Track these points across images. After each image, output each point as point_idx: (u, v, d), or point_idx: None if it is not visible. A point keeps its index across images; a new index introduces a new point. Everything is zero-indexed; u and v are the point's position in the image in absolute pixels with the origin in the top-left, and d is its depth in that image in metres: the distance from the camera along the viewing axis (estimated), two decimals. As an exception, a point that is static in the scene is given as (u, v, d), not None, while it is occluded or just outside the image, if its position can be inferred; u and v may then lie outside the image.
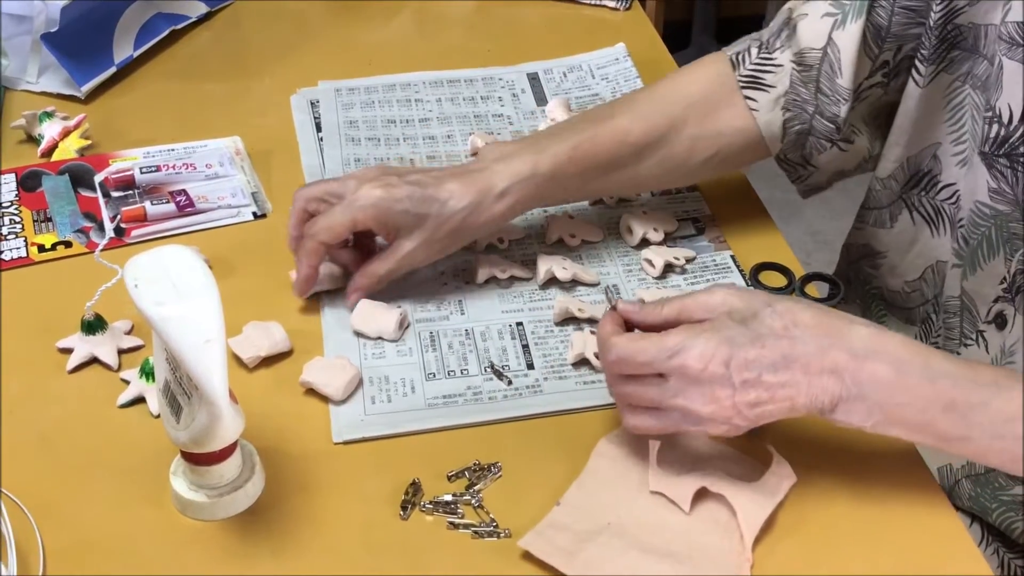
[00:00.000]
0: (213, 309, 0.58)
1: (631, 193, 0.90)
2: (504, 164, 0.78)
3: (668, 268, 0.85)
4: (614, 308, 0.67)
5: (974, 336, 0.77)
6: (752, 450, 0.71)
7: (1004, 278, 0.74)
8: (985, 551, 0.79)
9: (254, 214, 0.90)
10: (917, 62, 0.77)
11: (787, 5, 0.84)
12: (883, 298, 0.88)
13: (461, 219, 0.77)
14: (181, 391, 0.61)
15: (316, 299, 0.82)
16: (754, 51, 0.83)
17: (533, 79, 1.08)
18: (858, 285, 0.91)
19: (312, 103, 1.03)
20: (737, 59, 0.84)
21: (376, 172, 0.78)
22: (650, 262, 0.85)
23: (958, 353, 0.78)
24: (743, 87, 0.83)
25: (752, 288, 0.63)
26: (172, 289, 0.57)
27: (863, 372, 0.61)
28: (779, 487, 0.68)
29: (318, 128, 1.00)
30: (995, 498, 0.78)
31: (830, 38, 0.79)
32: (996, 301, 0.75)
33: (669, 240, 0.88)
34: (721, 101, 0.83)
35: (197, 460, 0.64)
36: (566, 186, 0.81)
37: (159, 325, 0.57)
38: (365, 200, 0.75)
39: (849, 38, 0.78)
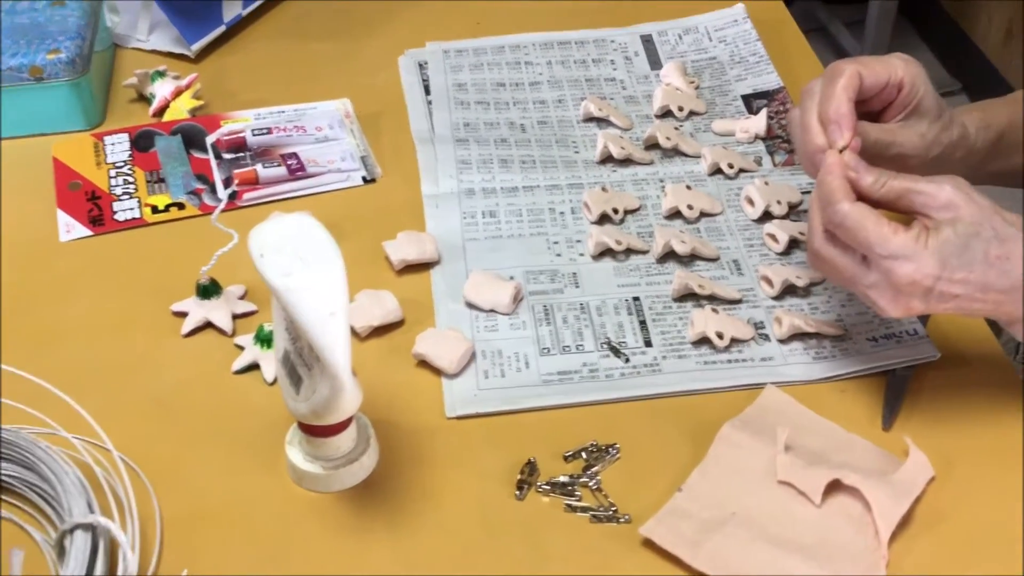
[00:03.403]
0: (339, 280, 0.56)
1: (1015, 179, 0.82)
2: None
3: (793, 243, 0.81)
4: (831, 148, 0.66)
5: None
6: (886, 442, 0.67)
7: None
8: None
9: (364, 179, 0.89)
10: None
11: None
12: None
13: (960, 134, 0.72)
14: (301, 362, 0.60)
15: (425, 269, 0.80)
16: None
17: (647, 41, 1.04)
18: None
19: (420, 64, 1.01)
20: None
21: None
22: (773, 237, 0.81)
23: None
24: None
25: (976, 192, 0.63)
26: (298, 260, 0.56)
27: None
28: (916, 481, 0.64)
29: (427, 91, 0.98)
30: None
31: None
32: None
33: (793, 214, 0.84)
34: None
35: (314, 432, 0.63)
36: (1001, 152, 0.76)
37: (285, 296, 0.55)
38: (912, 60, 0.71)
39: None
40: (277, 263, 0.56)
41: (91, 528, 0.58)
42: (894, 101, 0.70)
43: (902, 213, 0.64)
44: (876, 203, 0.64)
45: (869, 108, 0.71)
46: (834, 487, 0.64)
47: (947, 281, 0.61)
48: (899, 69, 0.69)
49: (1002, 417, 0.69)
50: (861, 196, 0.64)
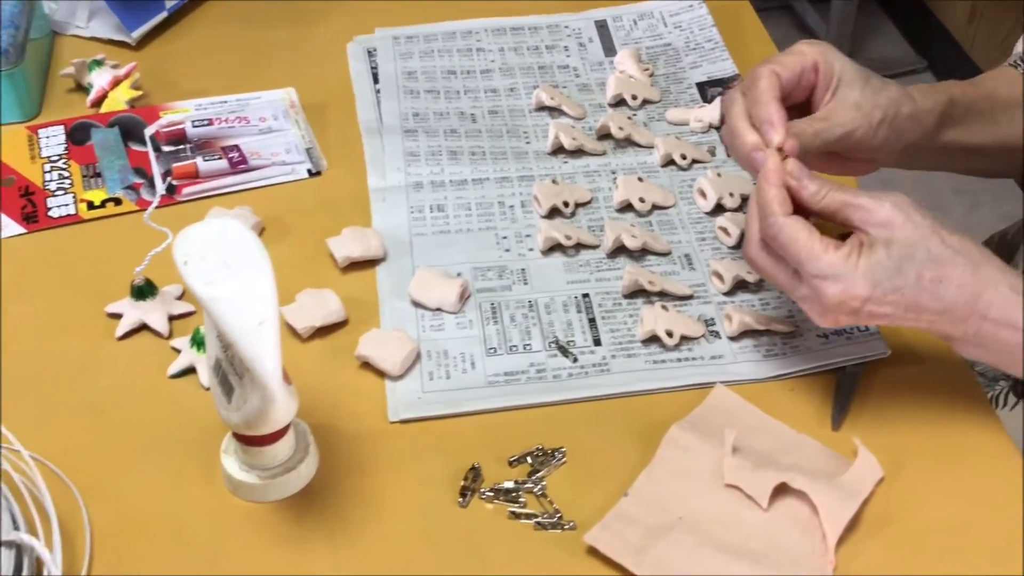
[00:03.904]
0: (267, 288, 0.54)
1: (981, 159, 0.80)
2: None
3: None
4: (776, 150, 0.65)
5: None
6: (835, 441, 0.66)
7: None
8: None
9: (309, 171, 0.86)
10: None
11: None
12: None
13: (899, 91, 0.70)
14: (233, 371, 0.58)
15: (371, 265, 0.78)
16: None
17: (601, 27, 1.02)
18: None
19: (369, 52, 0.98)
20: (1017, 62, 0.80)
21: None
22: (725, 230, 0.80)
23: None
24: None
25: (918, 212, 0.62)
26: (224, 267, 0.54)
27: (987, 332, 0.61)
28: (864, 483, 0.63)
29: (375, 79, 0.95)
30: None
31: None
32: None
33: (746, 206, 0.82)
34: None
35: (249, 441, 0.61)
36: (955, 121, 0.74)
37: (210, 306, 0.53)
38: (816, 42, 0.70)
39: None
40: (202, 270, 0.54)
41: (15, 545, 0.56)
42: (816, 84, 0.69)
43: (841, 226, 0.63)
44: (817, 213, 0.63)
45: (796, 100, 0.70)
46: (782, 490, 0.63)
47: (876, 302, 0.61)
48: (808, 54, 0.69)
49: (953, 415, 0.68)
50: (802, 205, 0.63)
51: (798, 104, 0.70)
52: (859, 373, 0.70)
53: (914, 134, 0.71)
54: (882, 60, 2.26)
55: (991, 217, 1.97)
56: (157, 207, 0.79)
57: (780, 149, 0.64)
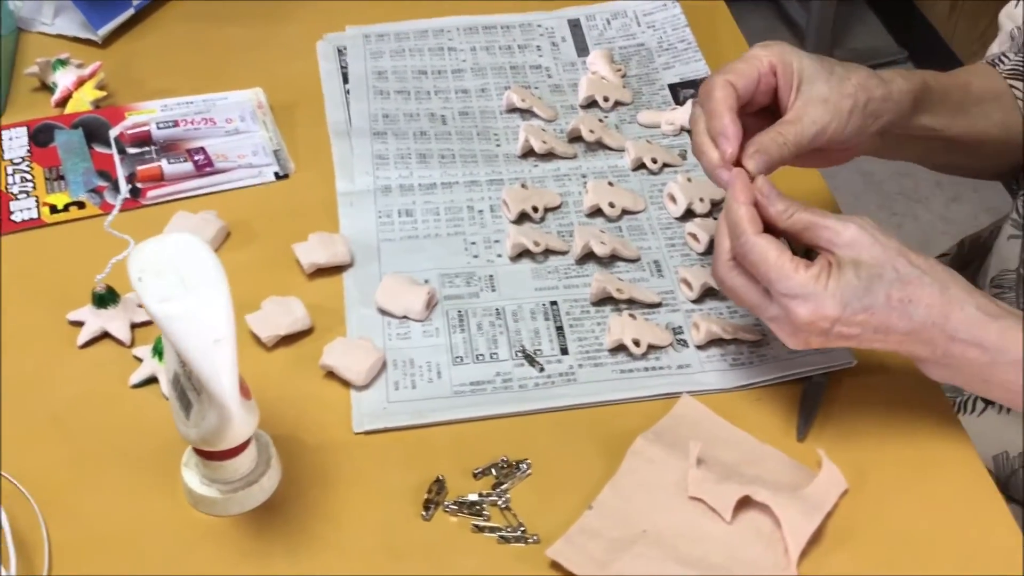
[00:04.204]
0: (223, 306, 0.53)
1: (959, 153, 0.80)
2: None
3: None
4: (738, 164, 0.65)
5: None
6: (800, 452, 0.66)
7: None
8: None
9: (276, 174, 0.85)
10: None
11: (1003, 19, 0.82)
12: None
13: (866, 74, 0.69)
14: (191, 387, 0.57)
15: (338, 272, 0.78)
16: (1010, 55, 0.79)
17: (574, 26, 1.01)
18: None
19: (340, 50, 0.97)
20: (996, 60, 0.79)
21: None
22: (695, 236, 0.80)
23: None
24: (1008, 77, 0.78)
25: (883, 233, 0.62)
26: (179, 283, 0.53)
27: (956, 352, 0.62)
28: (828, 495, 0.63)
29: (345, 79, 0.94)
30: None
31: None
32: None
33: (716, 211, 0.82)
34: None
35: (209, 455, 0.61)
36: (931, 106, 0.74)
37: (164, 324, 0.52)
38: (770, 43, 0.69)
39: None
40: (157, 287, 0.53)
41: (-31, 564, 0.56)
42: (778, 86, 0.68)
43: (807, 246, 0.63)
44: (784, 232, 0.63)
45: (761, 104, 0.69)
46: (745, 503, 0.62)
47: (846, 323, 0.61)
48: (762, 57, 0.68)
49: (918, 426, 0.68)
50: (770, 223, 0.63)
51: (765, 108, 0.70)
52: (824, 382, 0.70)
53: (889, 115, 0.69)
54: (863, 51, 2.26)
55: (972, 209, 1.97)
56: (121, 210, 0.79)
57: (739, 164, 0.64)
